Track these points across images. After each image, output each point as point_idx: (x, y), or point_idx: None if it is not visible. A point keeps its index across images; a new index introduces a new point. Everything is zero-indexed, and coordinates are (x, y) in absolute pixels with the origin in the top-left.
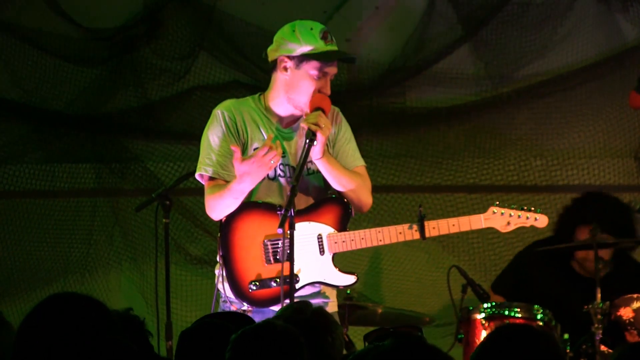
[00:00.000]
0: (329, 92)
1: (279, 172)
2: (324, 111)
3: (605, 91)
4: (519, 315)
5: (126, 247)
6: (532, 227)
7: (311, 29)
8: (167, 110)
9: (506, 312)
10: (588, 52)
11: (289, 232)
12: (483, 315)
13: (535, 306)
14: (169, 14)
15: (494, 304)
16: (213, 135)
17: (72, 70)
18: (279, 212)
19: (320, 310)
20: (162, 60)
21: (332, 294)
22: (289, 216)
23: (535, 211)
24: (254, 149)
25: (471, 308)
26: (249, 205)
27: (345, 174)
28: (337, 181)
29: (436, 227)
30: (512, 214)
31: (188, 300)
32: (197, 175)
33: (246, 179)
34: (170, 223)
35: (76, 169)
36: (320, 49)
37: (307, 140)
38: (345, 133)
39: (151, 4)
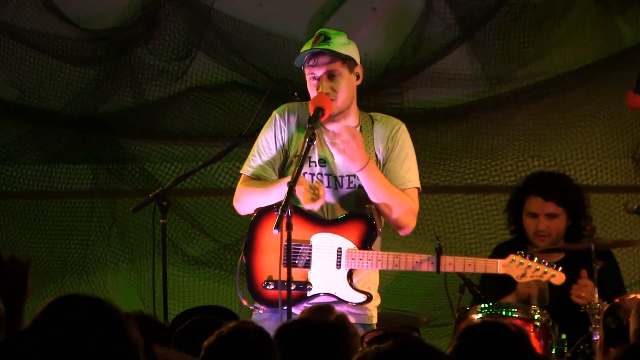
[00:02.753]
0: (322, 90)
1: (316, 181)
2: (323, 110)
3: (603, 92)
4: (516, 316)
5: (123, 248)
6: (547, 280)
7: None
8: (165, 111)
9: (503, 313)
10: (586, 52)
11: (287, 232)
12: (480, 315)
13: (533, 306)
14: (166, 15)
15: (491, 304)
16: (263, 136)
17: (70, 71)
18: (276, 212)
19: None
20: (160, 61)
21: (366, 306)
22: (287, 216)
23: (553, 267)
24: (296, 157)
25: (468, 308)
26: (271, 207)
27: (385, 189)
28: (374, 195)
29: (452, 264)
30: (530, 265)
31: (185, 301)
32: (241, 171)
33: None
34: (167, 224)
35: (73, 170)
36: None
37: (307, 140)
38: (400, 152)
39: (148, 4)
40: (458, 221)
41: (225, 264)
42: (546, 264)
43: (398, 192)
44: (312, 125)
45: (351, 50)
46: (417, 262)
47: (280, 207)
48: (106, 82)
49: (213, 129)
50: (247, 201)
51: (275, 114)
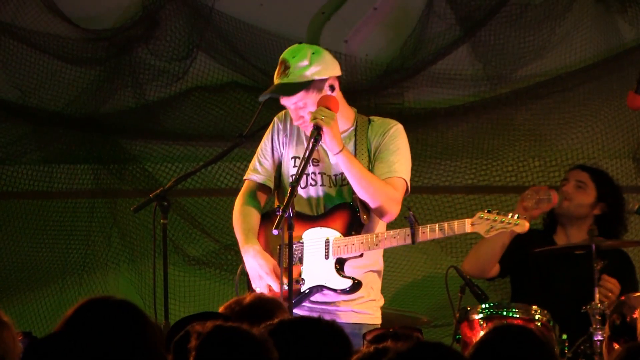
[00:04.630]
0: (295, 121)
1: (310, 180)
2: (329, 110)
3: (604, 92)
4: (517, 316)
5: (124, 248)
6: (511, 231)
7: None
8: (165, 111)
9: (504, 313)
10: (586, 52)
11: (288, 233)
12: (481, 315)
13: (534, 307)
14: (167, 15)
15: (492, 304)
16: (263, 142)
17: (70, 71)
18: (277, 213)
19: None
20: (160, 61)
21: (369, 306)
22: (287, 217)
23: (516, 217)
24: (292, 158)
25: (469, 309)
26: (274, 211)
27: (365, 175)
28: (356, 181)
29: (425, 232)
30: (496, 218)
31: (186, 301)
32: (244, 177)
33: (244, 256)
34: (168, 224)
35: (74, 170)
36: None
37: (312, 140)
38: (391, 145)
39: (149, 4)
40: None
41: (226, 264)
42: (509, 215)
43: (378, 179)
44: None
45: (315, 70)
46: (393, 237)
47: (282, 208)
48: (107, 82)
49: (214, 129)
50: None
51: (275, 119)
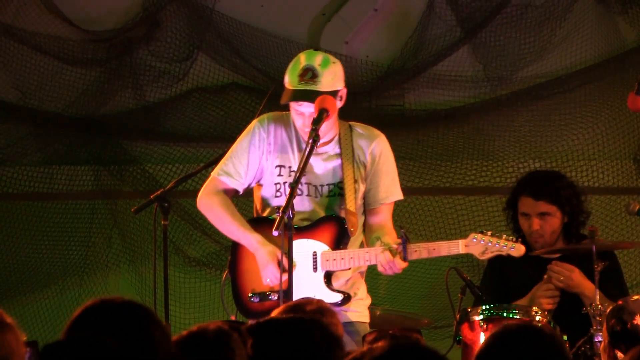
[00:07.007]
0: (305, 128)
1: (297, 190)
2: (327, 112)
3: (604, 93)
4: (518, 317)
5: (125, 249)
6: (508, 255)
7: (300, 62)
8: (166, 112)
9: (505, 314)
10: (587, 54)
11: (288, 234)
12: (481, 317)
13: (534, 307)
14: (168, 16)
15: (492, 305)
16: (241, 144)
17: (71, 72)
18: (277, 214)
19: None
20: (161, 62)
21: (358, 305)
22: (288, 218)
23: (512, 240)
24: (276, 166)
25: (470, 310)
26: (259, 220)
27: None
28: None
29: (418, 251)
30: (491, 242)
31: (186, 302)
32: (212, 174)
33: (246, 245)
34: (168, 225)
35: (75, 171)
36: (291, 86)
37: (310, 141)
38: (384, 165)
39: (150, 6)
40: (459, 222)
41: (226, 265)
42: (504, 237)
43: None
44: (315, 127)
45: (337, 80)
46: (384, 253)
47: (282, 209)
48: (107, 84)
49: (214, 130)
50: (211, 218)
51: (256, 122)
